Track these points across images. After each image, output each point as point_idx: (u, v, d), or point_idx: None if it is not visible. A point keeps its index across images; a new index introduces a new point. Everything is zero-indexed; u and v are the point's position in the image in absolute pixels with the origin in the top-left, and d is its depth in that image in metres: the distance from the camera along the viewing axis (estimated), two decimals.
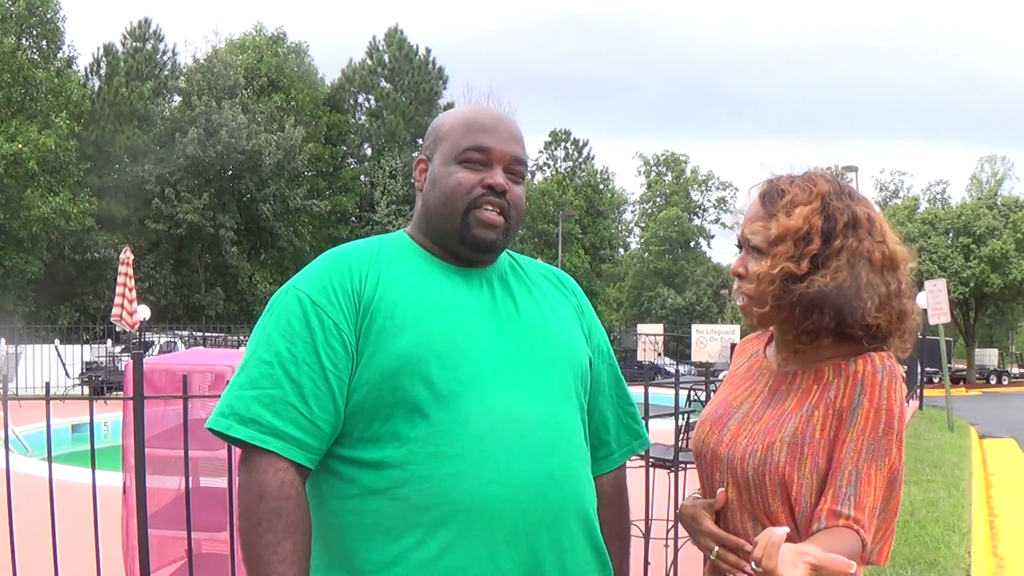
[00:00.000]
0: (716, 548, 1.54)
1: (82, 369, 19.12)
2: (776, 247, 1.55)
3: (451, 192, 1.52)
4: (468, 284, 1.54)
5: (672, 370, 18.11)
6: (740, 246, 1.64)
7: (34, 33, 31.07)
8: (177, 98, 38.00)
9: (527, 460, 1.45)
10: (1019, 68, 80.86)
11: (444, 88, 42.69)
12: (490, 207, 1.52)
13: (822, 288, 1.50)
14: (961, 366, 40.87)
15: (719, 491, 1.56)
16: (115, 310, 16.54)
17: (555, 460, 1.49)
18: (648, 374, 4.19)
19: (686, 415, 4.63)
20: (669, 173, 58.44)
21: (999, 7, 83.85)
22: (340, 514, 1.45)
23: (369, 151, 42.45)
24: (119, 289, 16.49)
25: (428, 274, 1.53)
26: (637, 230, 60.52)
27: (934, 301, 14.10)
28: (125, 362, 4.16)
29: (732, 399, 1.67)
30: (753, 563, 1.33)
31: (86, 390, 17.46)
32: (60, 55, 32.20)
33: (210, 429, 1.44)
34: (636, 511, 3.83)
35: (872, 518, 1.46)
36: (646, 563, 3.89)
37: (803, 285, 1.51)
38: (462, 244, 1.53)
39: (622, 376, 1.76)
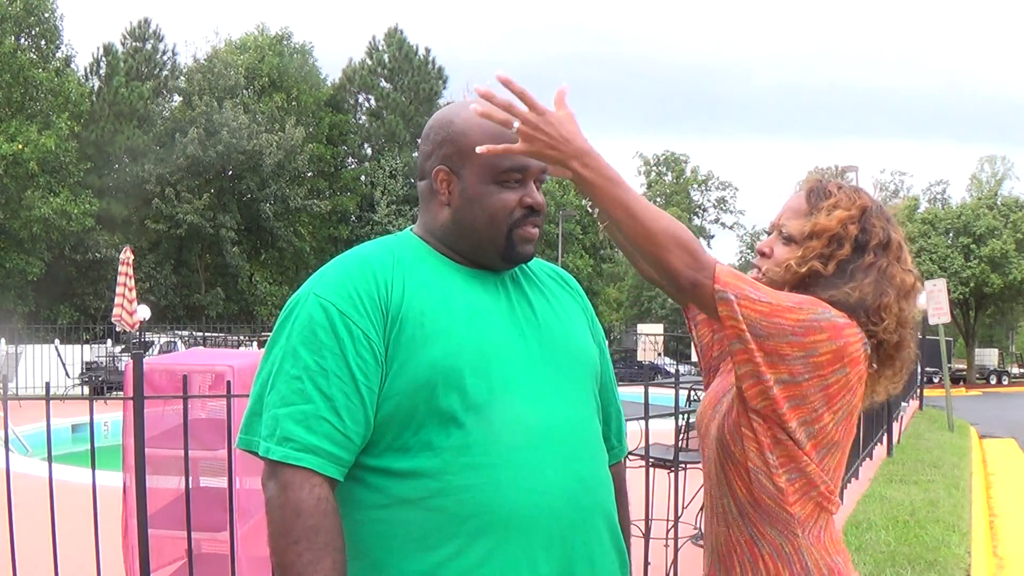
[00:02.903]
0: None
1: (82, 369, 19.09)
2: (809, 241, 1.62)
3: (495, 213, 1.51)
4: (485, 287, 1.54)
5: (672, 370, 18.11)
6: (770, 231, 1.71)
7: (33, 33, 31.07)
8: (177, 98, 37.98)
9: (559, 467, 1.46)
10: (1016, 68, 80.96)
11: (444, 88, 42.71)
12: (531, 225, 1.54)
13: (847, 295, 1.57)
14: (961, 366, 40.89)
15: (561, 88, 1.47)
16: (115, 310, 16.54)
17: (583, 465, 1.51)
18: (648, 374, 4.20)
19: (686, 415, 4.62)
20: (669, 173, 58.41)
21: (990, 8, 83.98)
22: (368, 524, 1.43)
23: (369, 151, 42.44)
24: (119, 289, 16.49)
25: (449, 279, 1.52)
26: None
27: (934, 301, 14.09)
28: (125, 362, 4.16)
29: (733, 379, 1.70)
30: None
31: (86, 390, 17.45)
32: (59, 55, 32.21)
33: (244, 449, 1.42)
34: (636, 511, 3.83)
35: (728, 281, 1.48)
36: (646, 563, 3.88)
37: (834, 293, 1.57)
38: (502, 259, 1.54)
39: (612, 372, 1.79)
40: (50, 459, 3.56)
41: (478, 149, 1.44)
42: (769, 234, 1.71)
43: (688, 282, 1.47)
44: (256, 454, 1.41)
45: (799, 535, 1.54)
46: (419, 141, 1.64)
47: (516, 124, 1.40)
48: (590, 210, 1.72)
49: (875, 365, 1.61)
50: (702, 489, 1.76)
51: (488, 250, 1.53)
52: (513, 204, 1.52)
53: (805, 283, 1.61)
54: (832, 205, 1.62)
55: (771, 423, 1.52)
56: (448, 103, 2.08)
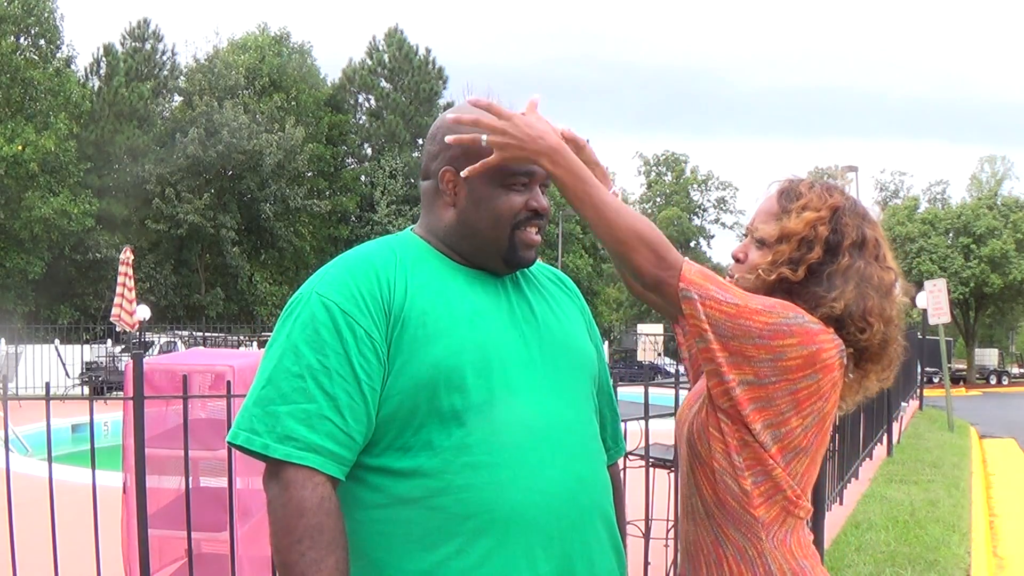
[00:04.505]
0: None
1: (82, 369, 19.10)
2: (778, 245, 1.59)
3: (501, 215, 1.52)
4: (486, 289, 1.54)
5: (672, 370, 18.12)
6: (746, 234, 1.69)
7: (32, 33, 31.04)
8: (177, 98, 37.96)
9: (558, 466, 1.47)
10: (1016, 69, 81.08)
11: (444, 88, 42.67)
12: (534, 229, 1.55)
13: (833, 309, 1.54)
14: (961, 366, 40.86)
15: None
16: (114, 310, 16.54)
17: (582, 465, 1.52)
18: (648, 374, 4.19)
19: None
20: (669, 173, 58.34)
21: (990, 9, 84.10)
22: (368, 523, 1.43)
23: (369, 151, 42.41)
24: (119, 289, 16.50)
25: (451, 279, 1.52)
26: None
27: (934, 301, 14.09)
28: (125, 362, 4.16)
29: None
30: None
31: (86, 390, 17.46)
32: (59, 55, 32.17)
33: (242, 448, 1.41)
34: (636, 511, 3.84)
35: (694, 280, 1.49)
36: (646, 563, 3.88)
37: (823, 311, 1.55)
38: (504, 263, 1.55)
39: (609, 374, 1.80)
40: (50, 459, 3.57)
41: (463, 173, 1.50)
42: (746, 236, 1.69)
43: (652, 280, 1.50)
44: (242, 448, 1.41)
45: (763, 538, 1.53)
46: (421, 141, 1.64)
47: (484, 138, 1.46)
48: None
49: (851, 374, 1.59)
50: None
51: (490, 252, 1.54)
52: (519, 207, 1.53)
53: (782, 289, 1.58)
54: (801, 207, 1.59)
55: (738, 424, 1.52)
56: (448, 103, 2.08)
